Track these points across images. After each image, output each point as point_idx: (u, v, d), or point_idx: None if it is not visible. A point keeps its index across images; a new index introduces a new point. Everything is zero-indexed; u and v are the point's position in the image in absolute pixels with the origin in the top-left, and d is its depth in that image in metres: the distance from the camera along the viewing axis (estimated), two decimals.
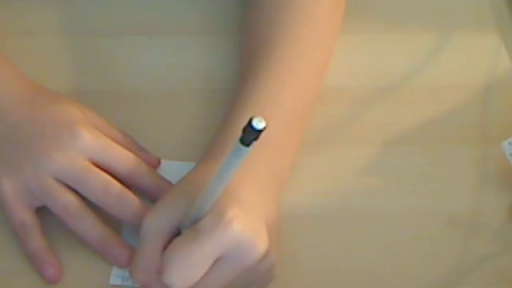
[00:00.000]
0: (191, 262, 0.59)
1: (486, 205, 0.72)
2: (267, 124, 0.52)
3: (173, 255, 0.59)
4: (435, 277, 0.68)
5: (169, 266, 0.59)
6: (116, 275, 0.66)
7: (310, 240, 0.69)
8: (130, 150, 0.69)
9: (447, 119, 0.76)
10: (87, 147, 0.67)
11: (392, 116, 0.76)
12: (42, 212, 0.67)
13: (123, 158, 0.68)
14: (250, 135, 0.52)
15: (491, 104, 0.77)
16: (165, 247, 0.61)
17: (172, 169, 0.70)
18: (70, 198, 0.66)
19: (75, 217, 0.66)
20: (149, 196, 0.68)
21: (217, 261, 0.60)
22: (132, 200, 0.67)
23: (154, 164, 0.71)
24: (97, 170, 0.66)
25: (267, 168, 0.66)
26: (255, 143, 0.53)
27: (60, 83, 0.75)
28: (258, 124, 0.52)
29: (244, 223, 0.60)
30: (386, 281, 0.68)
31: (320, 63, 0.74)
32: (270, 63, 0.71)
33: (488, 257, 0.69)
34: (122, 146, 0.69)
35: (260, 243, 0.60)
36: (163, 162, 0.72)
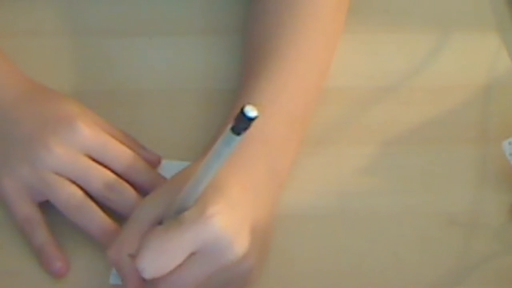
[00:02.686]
0: (166, 250, 0.59)
1: (486, 205, 0.72)
2: (259, 115, 0.51)
3: (150, 241, 0.59)
4: (435, 277, 0.68)
5: (144, 251, 0.59)
6: (116, 275, 0.66)
7: (310, 240, 0.69)
8: (130, 148, 0.69)
9: (447, 119, 0.76)
10: (86, 142, 0.67)
11: (392, 116, 0.76)
12: (42, 211, 0.67)
13: (121, 154, 0.68)
14: (241, 123, 0.51)
15: (491, 104, 0.77)
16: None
17: (172, 169, 0.70)
18: (72, 191, 0.66)
19: (77, 209, 0.66)
20: (146, 193, 0.68)
21: (192, 255, 0.60)
22: (132, 195, 0.67)
23: (155, 162, 0.71)
24: (98, 165, 0.67)
25: (265, 168, 0.66)
26: (245, 133, 0.52)
27: (60, 83, 0.75)
28: (250, 112, 0.51)
29: (225, 220, 0.59)
30: (386, 281, 0.68)
31: (322, 63, 0.74)
32: (272, 63, 0.71)
33: (488, 257, 0.69)
34: (122, 143, 0.69)
35: (239, 243, 0.60)
36: (163, 161, 0.72)
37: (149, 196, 0.64)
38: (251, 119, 0.51)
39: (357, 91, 0.78)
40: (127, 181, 0.68)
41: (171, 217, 0.61)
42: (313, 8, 0.74)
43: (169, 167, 0.71)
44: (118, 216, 0.67)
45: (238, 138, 0.52)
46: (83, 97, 0.73)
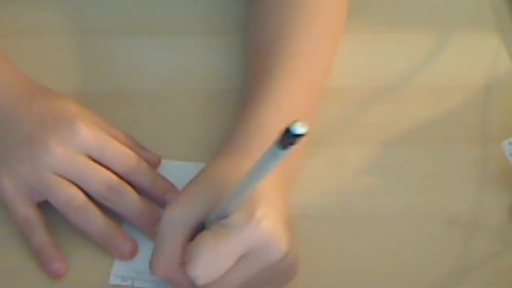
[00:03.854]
0: (218, 256, 0.59)
1: (486, 205, 0.71)
2: (307, 130, 0.51)
3: (201, 248, 0.59)
4: (435, 277, 0.68)
5: (196, 258, 0.59)
6: (116, 275, 0.66)
7: (310, 240, 0.69)
8: (130, 149, 0.69)
9: (447, 119, 0.76)
10: (86, 143, 0.67)
11: (392, 116, 0.76)
12: (41, 211, 0.67)
13: (121, 155, 0.68)
14: (288, 139, 0.51)
15: (491, 104, 0.77)
16: (187, 241, 0.61)
17: (172, 169, 0.70)
18: (71, 192, 0.66)
19: (77, 211, 0.66)
20: (147, 193, 0.68)
21: (241, 257, 0.60)
22: (132, 196, 0.67)
23: (155, 162, 0.71)
24: (97, 166, 0.67)
25: (279, 169, 0.66)
26: (292, 147, 0.52)
27: (60, 83, 0.75)
28: (298, 129, 0.50)
29: (272, 222, 0.60)
30: (386, 280, 0.68)
31: (325, 63, 0.75)
32: (278, 64, 0.71)
33: (488, 257, 0.69)
34: (122, 144, 0.69)
35: (284, 241, 0.61)
36: (163, 161, 0.72)
37: (181, 201, 0.63)
38: (297, 136, 0.51)
39: (357, 91, 0.78)
40: (127, 181, 0.68)
41: (213, 221, 0.61)
42: (314, 8, 0.74)
43: (169, 167, 0.71)
44: (118, 217, 0.67)
45: (284, 152, 0.52)
46: (83, 97, 0.73)
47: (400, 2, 0.84)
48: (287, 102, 0.69)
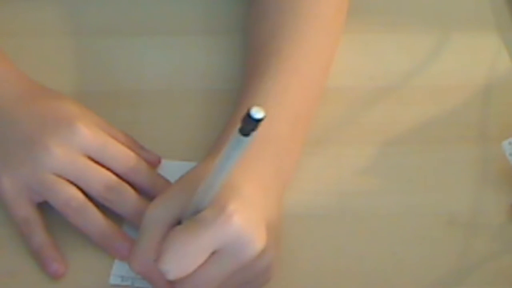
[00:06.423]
0: (188, 251, 0.59)
1: (486, 205, 0.71)
2: (265, 116, 0.52)
3: (171, 243, 0.60)
4: (435, 277, 0.68)
5: (166, 253, 0.60)
6: (115, 275, 0.66)
7: (310, 240, 0.69)
8: (130, 149, 0.69)
9: (447, 119, 0.76)
10: (86, 143, 0.67)
11: (392, 116, 0.76)
12: (41, 211, 0.67)
13: (121, 155, 0.68)
14: (248, 125, 0.52)
15: (491, 104, 0.77)
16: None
17: (172, 169, 0.70)
18: (71, 192, 0.66)
19: (76, 211, 0.66)
20: (147, 193, 0.68)
21: (213, 254, 0.60)
22: (132, 196, 0.67)
23: (155, 162, 0.71)
24: (97, 166, 0.67)
25: (271, 167, 0.66)
26: (254, 134, 0.53)
27: (60, 83, 0.75)
28: (257, 113, 0.51)
29: (244, 218, 0.60)
30: (386, 281, 0.68)
31: (324, 63, 0.75)
32: (277, 62, 0.71)
33: (488, 257, 0.69)
34: (122, 144, 0.69)
35: (258, 239, 0.61)
36: (163, 161, 0.72)
37: (160, 200, 0.64)
38: (257, 120, 0.52)
39: (357, 91, 0.78)
40: (127, 181, 0.68)
41: (188, 218, 0.61)
42: (315, 8, 0.74)
43: (169, 167, 0.71)
44: (118, 217, 0.67)
45: (246, 139, 0.53)
46: (83, 97, 0.73)
47: (400, 2, 0.84)
48: (276, 103, 0.69)
